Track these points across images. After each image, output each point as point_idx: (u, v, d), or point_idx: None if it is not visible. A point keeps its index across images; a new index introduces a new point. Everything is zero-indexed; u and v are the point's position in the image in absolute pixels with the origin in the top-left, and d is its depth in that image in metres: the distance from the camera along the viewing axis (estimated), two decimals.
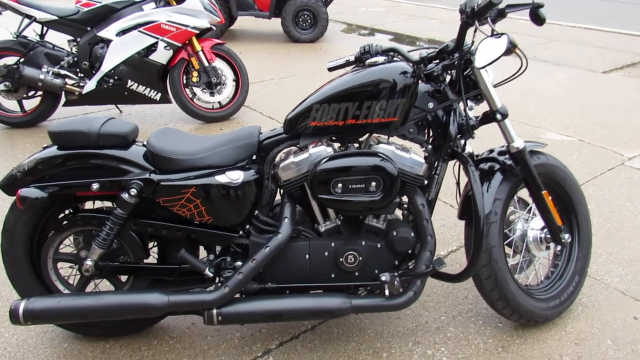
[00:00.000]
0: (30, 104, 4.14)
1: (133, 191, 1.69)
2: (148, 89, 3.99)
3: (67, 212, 1.90)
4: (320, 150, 1.79)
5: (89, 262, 1.79)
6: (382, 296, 1.83)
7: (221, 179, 1.74)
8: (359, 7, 9.93)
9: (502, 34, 1.59)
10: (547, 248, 2.07)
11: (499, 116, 1.84)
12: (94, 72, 3.90)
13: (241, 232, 1.86)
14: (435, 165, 1.90)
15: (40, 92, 4.04)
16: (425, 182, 1.86)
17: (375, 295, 1.85)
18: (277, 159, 1.86)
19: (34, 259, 1.88)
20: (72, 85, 3.92)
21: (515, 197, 2.07)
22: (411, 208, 1.86)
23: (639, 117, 4.33)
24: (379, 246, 1.86)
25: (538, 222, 2.06)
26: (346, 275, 1.86)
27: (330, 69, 2.04)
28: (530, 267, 2.12)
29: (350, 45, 6.96)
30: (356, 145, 1.86)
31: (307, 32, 7.02)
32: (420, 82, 1.84)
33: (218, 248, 1.90)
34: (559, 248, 2.09)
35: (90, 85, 3.89)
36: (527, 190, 2.00)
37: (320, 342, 2.00)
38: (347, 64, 2.00)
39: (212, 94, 4.17)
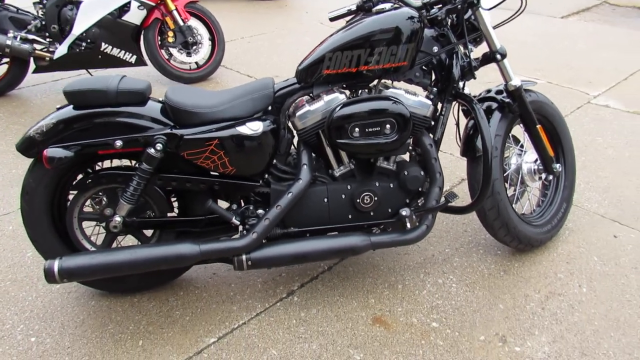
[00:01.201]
0: None
1: (159, 146, 1.73)
2: (123, 52, 3.89)
3: (82, 173, 1.92)
4: (334, 98, 1.87)
5: (117, 218, 1.83)
6: (397, 231, 1.96)
7: (242, 129, 1.80)
8: None
9: None
10: (540, 179, 2.25)
11: (498, 56, 1.96)
12: (64, 36, 3.76)
13: (261, 182, 1.93)
14: (440, 106, 2.01)
15: (6, 60, 3.88)
16: (432, 122, 1.98)
17: (391, 232, 1.98)
18: (292, 108, 1.93)
19: (55, 220, 1.90)
20: (42, 50, 3.78)
21: (509, 135, 2.23)
22: (420, 148, 1.98)
23: (599, 58, 4.58)
24: (391, 186, 1.98)
25: (531, 156, 2.23)
26: (362, 216, 1.98)
27: (332, 19, 2.10)
28: (524, 197, 2.30)
29: (315, 1, 6.90)
30: (366, 91, 1.95)
31: None
32: (424, 27, 1.92)
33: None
34: (549, 178, 2.27)
35: (62, 49, 3.76)
36: (523, 125, 2.15)
37: (339, 280, 2.14)
38: (349, 13, 2.06)
39: (188, 54, 4.12)
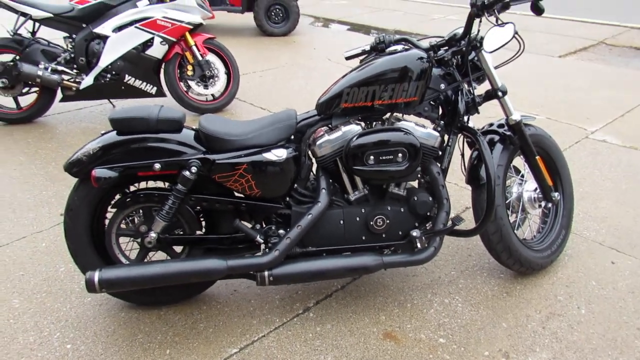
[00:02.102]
0: (25, 100, 4.21)
1: (194, 169, 1.91)
2: (144, 83, 4.13)
3: (120, 193, 2.10)
4: (350, 129, 2.06)
5: (153, 235, 2.00)
6: (407, 252, 2.12)
7: (268, 156, 1.99)
8: (324, 0, 10.19)
9: (508, 22, 1.90)
10: (540, 206, 2.41)
11: (500, 93, 2.16)
12: (90, 67, 4.01)
13: (283, 204, 2.11)
14: (447, 138, 2.20)
15: (35, 89, 4.12)
16: (440, 152, 2.17)
17: (402, 253, 2.14)
18: (312, 137, 2.11)
19: (93, 236, 2.07)
20: (69, 80, 4.03)
21: (510, 165, 2.40)
22: (428, 176, 2.16)
23: (596, 95, 4.81)
24: (402, 210, 2.15)
25: (530, 185, 2.40)
26: (375, 237, 2.15)
27: (348, 58, 2.30)
28: (524, 223, 2.46)
29: (321, 37, 7.23)
30: (380, 123, 2.14)
31: (279, 26, 7.23)
32: (432, 66, 2.12)
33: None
34: (548, 205, 2.44)
35: (88, 80, 4.00)
36: (523, 156, 2.33)
37: (352, 298, 2.28)
38: (363, 53, 2.26)
39: (205, 86, 4.35)
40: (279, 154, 2.00)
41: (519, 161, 2.45)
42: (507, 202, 2.36)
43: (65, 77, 4.01)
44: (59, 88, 4.05)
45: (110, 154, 1.93)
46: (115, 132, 1.97)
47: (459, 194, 3.14)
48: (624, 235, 2.71)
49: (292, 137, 2.10)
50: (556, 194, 2.39)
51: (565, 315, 2.18)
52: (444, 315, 2.18)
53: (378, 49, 2.20)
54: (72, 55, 4.03)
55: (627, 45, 6.66)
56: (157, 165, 1.92)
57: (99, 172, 1.86)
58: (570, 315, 2.17)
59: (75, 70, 4.05)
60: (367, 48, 2.25)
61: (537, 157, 2.29)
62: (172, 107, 2.06)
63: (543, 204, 2.41)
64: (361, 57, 2.28)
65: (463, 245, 2.64)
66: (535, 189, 2.39)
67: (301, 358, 1.97)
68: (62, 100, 4.11)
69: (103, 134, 1.98)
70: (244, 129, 2.04)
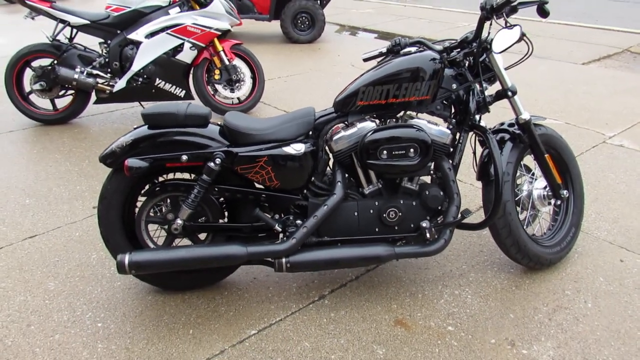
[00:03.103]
0: (61, 102, 4.45)
1: (218, 160, 2.06)
2: (174, 87, 4.33)
3: (150, 183, 2.26)
4: (366, 125, 2.18)
5: (179, 222, 2.15)
6: (419, 244, 2.22)
7: (288, 149, 2.12)
8: (350, 9, 10.37)
9: (515, 25, 2.00)
10: (549, 204, 2.49)
11: (509, 93, 2.25)
12: (124, 71, 4.23)
13: (300, 196, 2.24)
14: (458, 136, 2.30)
15: (71, 91, 4.36)
16: (451, 149, 2.27)
17: (413, 244, 2.24)
18: (329, 133, 2.24)
19: (124, 222, 2.23)
20: (103, 84, 4.25)
21: (521, 163, 2.49)
22: (440, 171, 2.26)
23: (616, 102, 4.82)
24: (414, 204, 2.25)
25: (541, 183, 2.48)
26: (388, 229, 2.25)
27: (366, 59, 2.43)
28: (535, 221, 2.53)
29: (346, 44, 7.38)
30: (394, 120, 2.25)
31: (305, 34, 7.41)
32: (445, 67, 2.24)
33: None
34: (558, 203, 2.51)
35: (121, 83, 4.22)
36: (532, 155, 2.42)
37: (365, 288, 2.39)
38: (380, 55, 2.39)
39: (232, 90, 4.53)
40: (297, 148, 2.13)
41: (529, 161, 2.53)
42: (517, 198, 2.43)
43: (100, 80, 4.24)
44: (94, 91, 4.28)
45: (141, 146, 2.09)
46: (146, 126, 2.13)
47: (473, 193, 3.22)
48: (634, 236, 2.75)
49: (310, 132, 2.23)
50: (565, 191, 2.46)
51: (572, 308, 2.24)
52: (453, 305, 2.27)
53: (394, 51, 2.32)
54: (107, 60, 4.25)
55: None
56: (184, 157, 2.08)
57: (131, 162, 2.02)
58: (577, 309, 2.24)
59: (109, 74, 4.27)
60: (384, 50, 2.37)
61: (546, 156, 2.37)
62: (198, 105, 2.22)
63: (553, 201, 2.48)
64: (378, 59, 2.40)
65: (475, 242, 2.72)
66: (545, 187, 2.46)
67: (315, 340, 2.09)
68: (96, 102, 4.34)
69: (135, 128, 2.14)
70: (265, 124, 2.18)
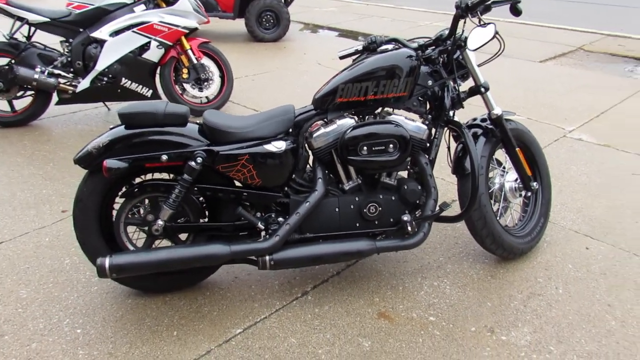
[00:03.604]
0: (20, 103, 4.29)
1: (199, 159, 2.05)
2: (140, 86, 4.24)
3: (127, 185, 2.22)
4: (345, 122, 2.21)
5: (160, 222, 2.12)
6: (398, 238, 2.27)
7: (269, 147, 2.13)
8: (313, 7, 10.39)
9: (490, 23, 2.07)
10: (520, 196, 2.59)
11: (482, 89, 2.33)
12: (87, 71, 4.11)
13: (281, 193, 2.24)
14: (434, 131, 2.36)
15: (30, 92, 4.20)
16: (427, 144, 2.32)
17: (393, 238, 2.28)
18: (309, 130, 2.26)
19: (101, 225, 2.18)
20: (65, 84, 4.12)
21: (492, 157, 2.57)
22: (417, 166, 2.32)
23: (573, 98, 5.04)
24: (393, 198, 2.30)
25: (511, 175, 2.57)
26: (368, 224, 2.29)
27: (342, 57, 2.46)
28: (507, 212, 2.63)
29: (311, 43, 7.39)
30: (372, 117, 2.29)
31: (270, 32, 7.38)
32: (420, 64, 2.29)
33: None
34: (528, 195, 2.61)
35: (85, 83, 4.10)
36: (504, 148, 2.50)
37: (347, 283, 2.42)
38: (356, 52, 2.43)
39: (200, 89, 4.48)
40: (278, 146, 2.14)
41: (500, 155, 2.62)
42: (490, 191, 2.52)
43: (62, 80, 4.10)
44: (55, 91, 4.14)
45: (119, 146, 2.05)
46: (123, 126, 2.09)
47: (445, 187, 3.31)
48: (597, 224, 2.89)
49: (290, 130, 2.24)
50: (535, 183, 2.56)
51: (544, 294, 2.34)
52: (433, 296, 2.33)
53: (370, 49, 2.36)
54: (69, 59, 4.13)
55: (603, 51, 6.93)
56: (165, 157, 2.05)
57: (110, 162, 1.98)
58: (549, 295, 2.34)
59: (71, 74, 4.15)
60: (360, 48, 2.41)
61: (517, 149, 2.46)
62: (176, 104, 2.19)
63: (523, 193, 2.58)
64: (354, 57, 2.43)
65: (450, 234, 2.80)
66: (516, 179, 2.56)
67: (302, 336, 2.10)
68: (58, 103, 4.20)
69: (112, 128, 2.10)
70: (245, 122, 2.17)
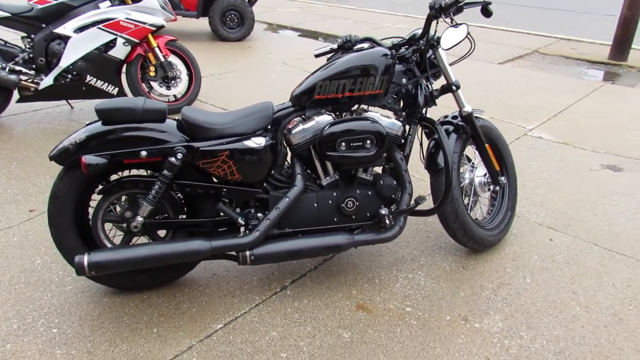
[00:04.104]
0: None
1: (179, 155, 2.04)
2: (106, 84, 4.16)
3: (104, 181, 2.19)
4: (323, 118, 2.25)
5: (139, 219, 2.11)
6: (375, 231, 2.33)
7: (249, 143, 2.14)
8: (275, 7, 10.40)
9: (462, 24, 2.16)
10: (489, 190, 2.69)
11: (454, 87, 2.42)
12: (50, 68, 4.00)
13: (261, 189, 2.27)
14: (408, 128, 2.43)
15: None
16: (402, 141, 2.40)
17: (370, 232, 2.34)
18: (287, 127, 2.29)
19: (77, 222, 2.15)
20: (27, 81, 3.99)
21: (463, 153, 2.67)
22: (392, 162, 2.38)
23: (532, 98, 5.25)
24: (369, 193, 2.36)
25: (481, 171, 2.68)
26: (346, 218, 2.34)
27: (317, 55, 2.50)
28: (476, 206, 2.74)
29: (276, 43, 7.41)
30: (349, 114, 2.34)
31: (234, 31, 7.35)
32: (395, 63, 2.36)
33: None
34: (496, 189, 2.72)
35: (48, 81, 3.99)
36: (474, 145, 2.61)
37: (325, 277, 2.47)
38: (331, 51, 2.47)
39: (168, 87, 4.43)
40: (258, 142, 2.16)
41: (470, 151, 2.73)
42: (461, 186, 2.61)
43: (24, 77, 3.98)
44: (16, 89, 4.01)
45: (96, 143, 2.02)
46: (100, 122, 2.07)
47: (415, 184, 3.40)
48: (559, 217, 3.05)
49: (269, 127, 2.26)
50: (503, 178, 2.68)
51: (513, 284, 2.45)
52: (408, 288, 2.41)
53: (345, 47, 2.41)
54: (31, 55, 4.00)
55: (557, 54, 7.25)
56: (144, 153, 2.04)
57: (89, 159, 1.95)
58: (518, 284, 2.45)
59: (33, 71, 4.02)
60: (335, 46, 2.45)
61: (487, 145, 2.57)
62: (155, 100, 2.18)
63: (492, 187, 2.69)
64: (328, 55, 2.48)
65: (422, 228, 2.88)
66: (485, 174, 2.67)
67: (283, 330, 2.13)
68: (19, 100, 4.07)
69: (88, 124, 2.07)
70: (224, 119, 2.18)
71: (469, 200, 2.67)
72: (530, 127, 4.46)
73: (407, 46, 2.38)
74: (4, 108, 4.17)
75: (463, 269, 2.55)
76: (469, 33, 2.20)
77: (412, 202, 2.35)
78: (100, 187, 2.16)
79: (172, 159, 2.05)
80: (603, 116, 4.78)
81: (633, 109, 5.01)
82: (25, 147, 3.79)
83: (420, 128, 2.55)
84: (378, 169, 2.51)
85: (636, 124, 4.58)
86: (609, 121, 4.65)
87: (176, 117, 2.20)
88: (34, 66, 4.02)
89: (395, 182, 2.36)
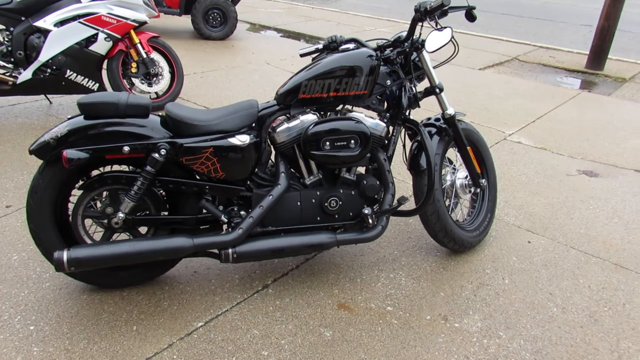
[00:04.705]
0: None
1: (163, 151, 2.03)
2: (86, 79, 4.10)
3: (85, 177, 2.16)
4: (308, 118, 2.26)
5: (120, 215, 2.08)
6: (358, 231, 2.34)
7: (233, 140, 2.14)
8: (258, 7, 10.38)
9: (446, 27, 2.19)
10: (469, 192, 2.73)
11: (437, 90, 2.45)
12: (29, 62, 3.92)
13: (244, 187, 2.26)
14: (392, 129, 2.46)
15: None
16: (386, 142, 2.42)
17: (353, 231, 2.36)
18: (272, 125, 2.28)
19: (56, 218, 2.11)
20: (5, 74, 3.91)
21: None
22: (376, 162, 2.40)
23: (511, 103, 5.35)
24: (353, 193, 2.37)
25: (462, 173, 2.72)
26: (329, 218, 2.35)
27: (302, 55, 2.51)
28: (457, 207, 2.77)
29: (259, 43, 7.39)
30: (333, 113, 2.35)
31: (217, 30, 7.32)
32: (380, 64, 2.38)
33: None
34: (477, 191, 2.76)
35: (26, 75, 3.91)
36: (456, 147, 2.64)
37: (307, 276, 2.47)
38: (317, 51, 2.48)
39: (149, 84, 4.39)
40: (242, 139, 2.15)
41: (451, 153, 2.76)
42: (442, 187, 2.64)
43: (1, 70, 3.90)
44: None
45: (78, 137, 1.99)
46: (82, 116, 2.04)
47: (397, 185, 3.42)
48: (537, 220, 3.11)
49: (254, 124, 2.26)
50: (483, 180, 2.72)
51: (492, 284, 2.49)
52: (390, 287, 2.42)
53: (330, 48, 2.42)
54: (9, 49, 3.92)
55: (536, 61, 7.39)
56: (126, 148, 2.01)
57: (70, 153, 1.92)
58: (497, 285, 2.49)
59: (11, 64, 3.94)
60: (320, 47, 2.46)
61: (468, 147, 2.60)
62: (138, 95, 2.16)
63: (472, 189, 2.73)
64: (314, 55, 2.49)
65: (403, 229, 2.91)
66: (466, 177, 2.70)
67: (264, 328, 2.13)
68: None
69: (70, 118, 2.04)
70: (209, 115, 2.18)
71: (450, 201, 2.70)
72: (509, 132, 4.54)
73: (392, 48, 2.41)
74: None
75: (443, 270, 2.58)
76: (453, 37, 2.23)
77: (394, 203, 2.37)
78: (80, 182, 2.13)
79: (155, 155, 2.03)
80: (580, 123, 4.89)
81: (609, 116, 5.14)
82: (2, 142, 3.71)
83: (404, 129, 2.57)
84: (361, 169, 2.52)
85: (612, 132, 4.70)
86: (585, 128, 4.76)
87: (160, 113, 2.18)
88: (12, 60, 3.94)
89: (378, 182, 2.38)
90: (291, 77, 2.29)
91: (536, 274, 2.59)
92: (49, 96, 4.48)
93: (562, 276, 2.58)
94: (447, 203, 2.67)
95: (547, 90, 5.92)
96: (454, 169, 2.74)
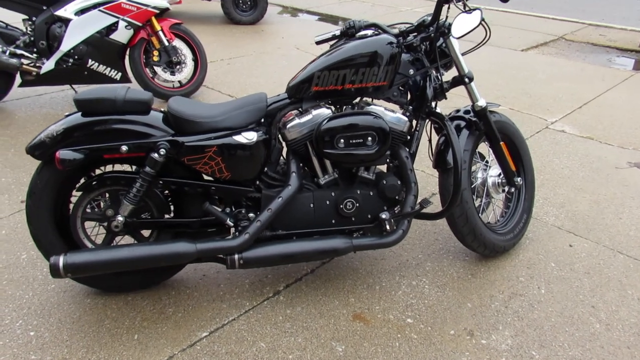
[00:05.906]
0: None
1: (162, 151, 1.89)
2: (109, 69, 4.02)
3: (85, 177, 2.05)
4: (321, 112, 2.07)
5: (120, 218, 1.97)
6: (376, 235, 2.15)
7: (239, 138, 1.98)
8: None
9: (475, 9, 1.94)
10: (503, 191, 2.49)
11: (466, 79, 2.21)
12: (52, 52, 3.87)
13: (253, 187, 2.10)
14: (415, 123, 2.24)
15: None
16: (408, 137, 2.20)
17: (371, 235, 2.17)
18: (282, 121, 2.11)
19: (56, 220, 2.02)
20: (29, 65, 3.88)
21: (475, 151, 2.46)
22: (397, 160, 2.19)
23: (555, 87, 4.97)
24: (371, 194, 2.18)
25: (495, 170, 2.47)
26: (345, 221, 2.17)
27: (318, 42, 2.31)
28: (489, 208, 2.53)
29: (290, 27, 7.19)
30: (350, 107, 2.15)
31: (247, 14, 7.15)
32: (402, 52, 2.15)
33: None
34: (511, 191, 2.51)
35: (49, 65, 3.87)
36: (488, 142, 2.40)
37: (321, 282, 2.30)
38: (334, 37, 2.28)
39: (172, 73, 4.28)
40: (249, 137, 1.99)
41: (483, 148, 2.52)
42: (472, 186, 2.41)
43: (25, 61, 3.87)
44: (18, 73, 3.90)
45: (75, 135, 1.88)
46: (79, 113, 1.92)
47: (425, 180, 3.20)
48: (580, 220, 2.82)
49: (263, 120, 2.09)
50: (519, 179, 2.46)
51: (527, 295, 2.26)
52: (411, 296, 2.23)
53: (348, 34, 2.21)
54: (32, 39, 3.88)
55: (585, 41, 6.88)
56: (124, 148, 1.89)
57: (63, 153, 1.81)
58: (531, 295, 2.26)
59: (35, 54, 3.91)
60: (338, 33, 2.26)
61: (502, 143, 2.35)
62: (138, 89, 2.02)
63: (506, 189, 2.48)
64: (331, 42, 2.29)
65: (430, 230, 2.70)
66: (499, 175, 2.46)
67: (271, 340, 1.98)
68: (21, 85, 3.96)
69: (67, 116, 1.93)
70: (214, 111, 2.02)
71: (481, 201, 2.47)
72: (552, 120, 4.20)
73: (415, 33, 2.18)
74: (6, 92, 4.07)
75: (472, 277, 2.37)
76: (483, 19, 1.98)
77: (417, 205, 2.16)
78: (80, 183, 2.02)
79: (155, 155, 1.89)
80: (632, 109, 4.48)
81: None
82: (25, 133, 3.69)
83: (430, 123, 2.35)
84: (382, 167, 2.32)
85: None
86: (639, 114, 4.35)
87: (162, 109, 2.04)
88: (35, 50, 3.90)
89: (399, 182, 2.18)
90: (304, 68, 2.09)
91: (577, 283, 2.34)
92: (74, 86, 4.44)
93: (607, 286, 2.32)
94: (477, 203, 2.44)
95: (596, 72, 5.48)
96: (486, 165, 2.50)
